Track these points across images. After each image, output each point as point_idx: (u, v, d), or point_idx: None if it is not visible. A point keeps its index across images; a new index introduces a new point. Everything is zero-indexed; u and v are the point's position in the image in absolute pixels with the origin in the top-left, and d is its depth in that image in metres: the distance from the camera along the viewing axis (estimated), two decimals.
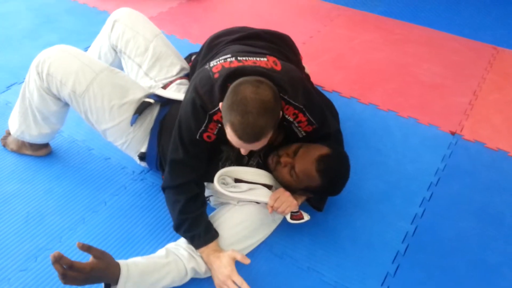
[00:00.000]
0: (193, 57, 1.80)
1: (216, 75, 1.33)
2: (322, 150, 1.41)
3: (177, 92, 1.65)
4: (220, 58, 1.40)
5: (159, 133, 1.56)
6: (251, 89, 1.19)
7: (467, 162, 1.91)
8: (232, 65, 1.34)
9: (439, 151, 1.96)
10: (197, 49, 1.83)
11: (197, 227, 1.38)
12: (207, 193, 1.53)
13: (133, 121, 1.52)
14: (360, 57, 2.56)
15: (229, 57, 1.38)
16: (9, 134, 1.81)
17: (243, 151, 1.33)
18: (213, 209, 1.55)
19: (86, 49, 1.61)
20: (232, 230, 1.44)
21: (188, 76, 1.76)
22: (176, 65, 1.75)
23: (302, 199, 1.53)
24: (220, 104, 1.27)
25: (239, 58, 1.38)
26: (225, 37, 1.66)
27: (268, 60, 1.38)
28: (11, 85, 2.20)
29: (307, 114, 1.38)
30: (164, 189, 1.47)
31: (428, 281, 1.45)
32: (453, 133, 2.04)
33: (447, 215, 1.68)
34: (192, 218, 1.39)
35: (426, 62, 2.52)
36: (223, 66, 1.35)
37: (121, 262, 1.23)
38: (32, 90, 1.56)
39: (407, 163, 1.89)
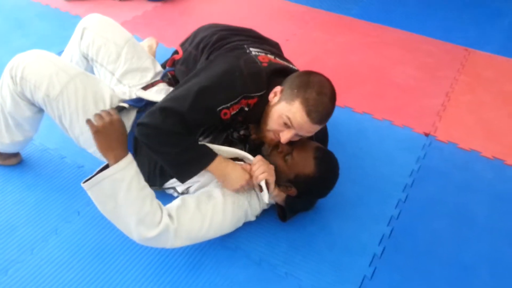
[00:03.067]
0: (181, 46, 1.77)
1: (265, 64, 1.42)
2: (318, 145, 1.51)
3: (159, 94, 1.62)
4: (259, 50, 1.52)
5: (134, 139, 1.53)
6: (325, 78, 1.36)
7: (440, 163, 1.94)
8: (278, 62, 1.48)
9: (413, 153, 1.98)
10: (170, 52, 1.81)
11: (200, 147, 1.39)
12: (186, 184, 1.50)
13: None
14: (336, 60, 2.58)
15: (269, 54, 1.52)
16: None
17: (285, 139, 1.37)
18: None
19: (58, 55, 1.57)
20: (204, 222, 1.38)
21: (162, 80, 1.74)
22: (149, 70, 1.72)
23: (279, 194, 1.51)
24: (279, 87, 1.38)
25: (277, 58, 1.53)
26: (237, 36, 1.65)
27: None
28: None
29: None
30: (147, 126, 1.33)
31: (405, 283, 1.47)
32: (426, 135, 2.08)
33: (422, 216, 1.70)
34: (192, 144, 1.37)
35: (400, 65, 2.55)
36: (270, 60, 1.46)
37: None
38: (5, 95, 1.52)
39: (382, 165, 1.91)
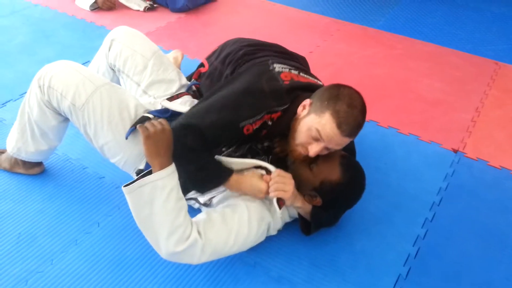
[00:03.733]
0: (207, 61, 1.78)
1: (286, 82, 1.42)
2: (343, 153, 1.48)
3: (183, 105, 1.62)
4: (283, 66, 1.49)
5: None
6: (355, 91, 1.35)
7: (470, 181, 1.87)
8: (301, 79, 1.47)
9: (441, 170, 1.91)
10: (195, 65, 1.81)
11: (215, 166, 1.41)
12: (209, 194, 1.51)
13: (128, 134, 1.49)
14: (360, 73, 2.53)
15: (293, 69, 1.50)
16: (2, 152, 1.78)
17: (314, 152, 1.35)
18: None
19: (84, 65, 1.59)
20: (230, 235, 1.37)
21: (187, 92, 1.73)
22: (175, 82, 1.72)
23: (301, 204, 1.46)
24: (308, 100, 1.36)
25: (301, 74, 1.51)
26: (262, 52, 1.64)
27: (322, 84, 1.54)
28: (6, 102, 2.17)
29: None
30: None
31: None
32: (455, 151, 2.01)
33: (450, 237, 1.63)
34: (208, 162, 1.39)
35: (427, 78, 2.49)
36: (292, 78, 1.45)
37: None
38: (33, 104, 1.55)
39: (409, 182, 1.85)
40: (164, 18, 3.03)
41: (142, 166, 1.54)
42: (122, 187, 1.20)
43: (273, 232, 1.50)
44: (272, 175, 1.41)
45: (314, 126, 1.32)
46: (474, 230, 1.66)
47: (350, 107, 1.30)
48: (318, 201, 1.47)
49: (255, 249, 1.48)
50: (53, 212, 1.62)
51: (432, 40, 2.89)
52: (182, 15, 3.07)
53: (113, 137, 1.49)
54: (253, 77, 1.43)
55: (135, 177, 1.53)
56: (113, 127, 1.48)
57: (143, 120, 1.50)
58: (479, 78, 2.51)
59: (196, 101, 1.68)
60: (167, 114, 1.57)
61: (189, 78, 1.87)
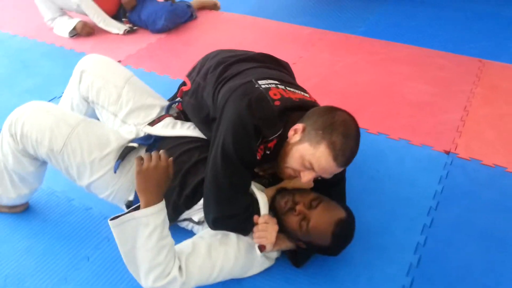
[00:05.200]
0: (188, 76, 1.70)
1: (277, 103, 1.33)
2: (340, 213, 1.36)
3: (165, 128, 1.58)
4: (268, 82, 1.39)
5: None
6: (347, 116, 1.29)
7: (465, 182, 1.84)
8: (291, 96, 1.38)
9: (435, 173, 1.88)
10: (175, 83, 1.78)
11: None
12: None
13: (116, 167, 1.44)
14: (345, 81, 2.51)
15: (279, 84, 1.41)
16: None
17: (306, 179, 1.31)
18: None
19: (63, 93, 1.54)
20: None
21: (169, 113, 1.68)
22: (154, 106, 1.67)
23: (286, 245, 1.43)
24: (300, 125, 1.29)
25: (288, 88, 1.42)
26: (244, 64, 1.56)
27: (310, 97, 1.48)
28: None
29: None
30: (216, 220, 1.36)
31: None
32: (447, 152, 1.98)
33: (450, 241, 1.60)
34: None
35: (412, 81, 2.47)
36: (282, 95, 1.36)
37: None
38: (7, 153, 1.48)
39: (403, 188, 1.82)
40: (145, 39, 3.00)
41: (131, 197, 1.50)
42: (108, 221, 1.20)
43: (270, 262, 1.48)
44: (259, 220, 1.37)
45: (308, 157, 1.27)
46: (474, 232, 1.63)
47: (345, 138, 1.25)
48: (302, 245, 1.42)
49: None
50: (41, 250, 1.56)
51: (415, 42, 2.88)
52: (162, 36, 3.04)
53: (98, 176, 1.45)
54: (238, 107, 1.30)
55: (125, 209, 1.50)
56: (96, 166, 1.44)
57: (128, 151, 1.47)
58: (464, 77, 2.50)
59: (178, 122, 1.64)
60: (150, 140, 1.53)
61: (172, 98, 1.83)
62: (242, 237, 1.40)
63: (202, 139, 1.55)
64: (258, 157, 1.33)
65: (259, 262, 1.44)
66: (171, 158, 1.27)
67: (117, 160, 1.44)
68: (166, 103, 1.74)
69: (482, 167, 1.91)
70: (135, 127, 1.60)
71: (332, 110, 1.31)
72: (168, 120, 1.64)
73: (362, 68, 2.62)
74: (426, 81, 2.46)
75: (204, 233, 1.43)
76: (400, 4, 3.47)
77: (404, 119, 2.20)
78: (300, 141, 1.29)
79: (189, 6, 3.19)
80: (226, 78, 1.50)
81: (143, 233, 1.19)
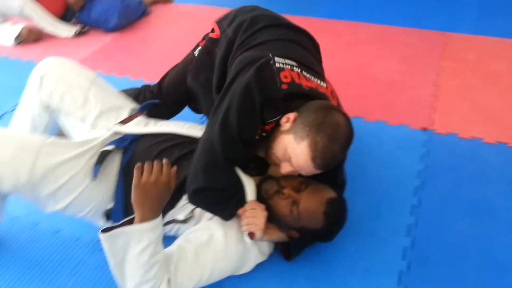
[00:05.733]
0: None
1: (284, 86, 1.26)
2: (330, 193, 1.31)
3: (137, 126, 1.49)
4: (285, 62, 1.31)
5: (124, 184, 1.37)
6: (344, 120, 1.21)
7: (446, 158, 1.83)
8: (303, 83, 1.30)
9: (415, 151, 1.86)
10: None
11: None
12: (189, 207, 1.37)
13: (96, 173, 1.33)
14: None
15: (296, 66, 1.33)
16: None
17: (284, 171, 1.27)
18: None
19: (14, 107, 1.38)
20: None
21: (142, 112, 1.58)
22: (123, 108, 1.57)
23: (277, 236, 1.36)
24: (292, 114, 1.23)
25: (304, 73, 1.34)
26: (275, 28, 1.50)
27: (327, 88, 1.41)
28: None
29: None
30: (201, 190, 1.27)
31: None
32: (424, 129, 1.96)
33: (441, 220, 1.57)
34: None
35: (380, 60, 2.44)
36: (293, 79, 1.28)
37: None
38: None
39: (387, 170, 1.78)
40: (98, 40, 2.82)
41: (110, 206, 1.39)
42: (99, 233, 1.15)
43: (263, 257, 1.40)
44: (246, 206, 1.30)
45: (289, 150, 1.22)
46: (462, 207, 1.61)
47: (330, 141, 1.18)
48: (294, 234, 1.34)
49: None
50: (9, 285, 1.40)
51: (377, 21, 2.86)
52: (116, 35, 2.87)
53: (76, 195, 1.33)
54: (246, 84, 1.25)
55: (102, 222, 1.41)
56: (70, 187, 1.32)
57: (104, 155, 1.36)
58: (430, 52, 2.49)
59: (151, 120, 1.55)
60: (127, 142, 1.43)
61: (137, 97, 1.74)
62: (229, 233, 1.31)
63: (180, 135, 1.47)
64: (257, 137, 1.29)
65: (252, 256, 1.36)
66: (174, 169, 1.19)
67: (95, 165, 1.33)
68: (134, 105, 1.63)
69: (460, 140, 1.90)
70: (108, 131, 1.48)
71: (327, 109, 1.24)
72: (140, 118, 1.54)
73: (330, 51, 2.53)
74: (394, 59, 2.44)
75: (190, 235, 1.33)
76: None
77: (378, 99, 2.16)
78: (288, 131, 1.24)
79: (140, 1, 3.02)
80: (248, 45, 1.43)
81: (134, 248, 1.14)
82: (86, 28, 2.91)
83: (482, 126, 1.95)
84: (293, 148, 1.20)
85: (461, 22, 2.78)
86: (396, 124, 2.00)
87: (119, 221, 1.39)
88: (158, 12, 3.14)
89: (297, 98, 1.29)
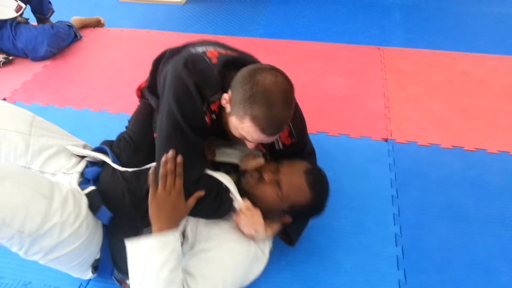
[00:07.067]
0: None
1: (214, 60, 1.25)
2: (303, 164, 1.36)
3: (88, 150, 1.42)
4: (208, 46, 1.32)
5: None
6: (271, 79, 1.15)
7: (411, 165, 1.91)
8: (230, 53, 1.30)
9: (383, 161, 1.92)
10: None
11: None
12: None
13: (106, 218, 1.25)
14: None
15: (218, 46, 1.34)
16: None
17: (251, 146, 1.27)
18: None
19: None
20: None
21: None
22: (76, 147, 1.42)
23: (276, 228, 1.37)
24: (226, 95, 1.20)
25: (228, 50, 1.34)
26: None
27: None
28: None
29: (290, 125, 1.35)
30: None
31: None
32: (385, 140, 2.04)
33: (422, 226, 1.64)
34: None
35: (328, 76, 2.51)
36: (220, 53, 1.28)
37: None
38: None
39: (361, 182, 1.82)
40: (27, 69, 2.56)
41: (98, 256, 1.27)
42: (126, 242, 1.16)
43: (265, 256, 1.37)
44: (242, 208, 1.29)
45: (239, 130, 1.20)
46: (438, 212, 1.70)
47: (268, 108, 1.13)
48: (287, 219, 1.37)
49: None
50: None
51: (314, 38, 2.94)
52: (47, 63, 2.62)
53: (77, 244, 1.19)
54: (175, 70, 1.25)
55: (86, 274, 1.29)
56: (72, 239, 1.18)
57: (93, 196, 1.26)
58: (372, 65, 2.61)
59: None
60: (100, 170, 1.34)
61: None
62: (227, 240, 1.29)
63: None
64: (208, 122, 1.27)
65: (257, 258, 1.33)
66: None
67: (99, 210, 1.24)
68: (83, 142, 1.50)
69: (420, 148, 2.00)
70: (64, 174, 1.34)
71: (251, 76, 1.16)
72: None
73: None
74: (341, 74, 2.52)
75: (190, 256, 1.27)
76: (282, 3, 3.51)
77: (335, 114, 2.21)
78: (230, 113, 1.22)
79: (70, 26, 2.80)
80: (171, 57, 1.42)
81: (155, 262, 1.13)
82: (12, 57, 2.62)
83: (435, 132, 2.08)
84: (241, 128, 1.19)
85: (392, 36, 2.96)
86: (358, 137, 2.05)
87: (107, 271, 1.28)
88: (91, 37, 2.94)
89: (231, 69, 1.26)
